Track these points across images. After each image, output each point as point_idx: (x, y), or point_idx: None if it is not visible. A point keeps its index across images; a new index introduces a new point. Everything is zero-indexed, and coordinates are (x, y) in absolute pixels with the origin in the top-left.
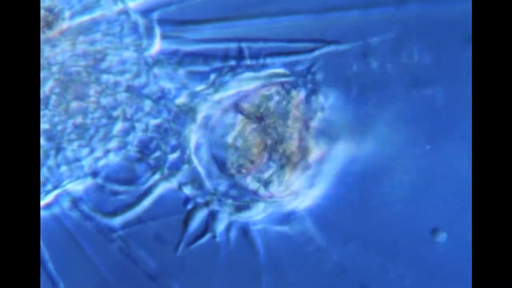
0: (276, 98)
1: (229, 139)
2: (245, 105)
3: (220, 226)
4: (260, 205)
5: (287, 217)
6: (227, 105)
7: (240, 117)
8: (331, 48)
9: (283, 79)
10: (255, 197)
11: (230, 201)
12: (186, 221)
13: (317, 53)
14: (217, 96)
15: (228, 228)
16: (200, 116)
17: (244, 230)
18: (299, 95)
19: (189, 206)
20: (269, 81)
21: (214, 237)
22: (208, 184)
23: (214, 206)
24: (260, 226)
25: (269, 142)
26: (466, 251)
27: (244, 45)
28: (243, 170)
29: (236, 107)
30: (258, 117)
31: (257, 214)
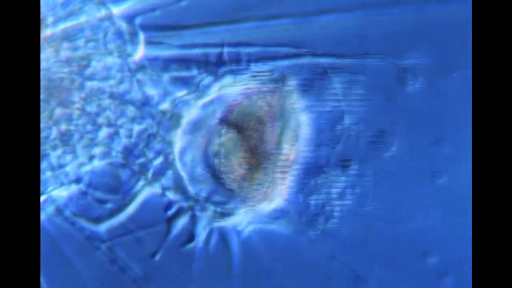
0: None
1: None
2: (231, 115)
3: (201, 232)
4: (242, 212)
5: (272, 215)
6: (215, 113)
7: (226, 127)
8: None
9: (264, 85)
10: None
11: (212, 207)
12: (168, 227)
13: (299, 60)
14: (200, 102)
15: (209, 234)
16: (184, 122)
17: (224, 237)
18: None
19: (172, 211)
20: (251, 88)
21: (191, 241)
22: (191, 189)
23: (196, 212)
24: (243, 232)
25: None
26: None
27: (228, 50)
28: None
29: (224, 118)
30: (242, 126)
31: (239, 221)
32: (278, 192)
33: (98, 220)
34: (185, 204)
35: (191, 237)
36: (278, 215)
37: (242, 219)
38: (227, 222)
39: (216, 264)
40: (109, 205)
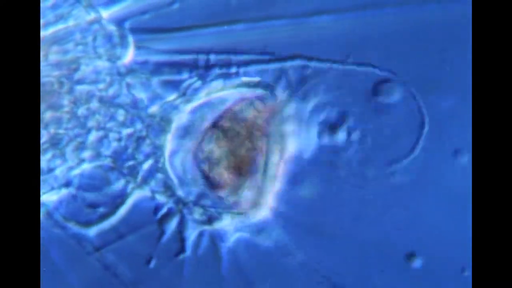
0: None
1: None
2: (224, 122)
3: (190, 235)
4: (230, 216)
5: (257, 228)
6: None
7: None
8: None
9: (254, 91)
10: (223, 206)
11: (201, 210)
12: (158, 229)
13: (289, 64)
14: (189, 106)
15: (198, 237)
16: (173, 125)
17: (213, 240)
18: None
19: (162, 214)
20: (242, 93)
21: (182, 244)
22: (180, 193)
23: (186, 215)
24: (231, 237)
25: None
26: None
27: (218, 53)
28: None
29: (215, 124)
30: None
31: (227, 225)
32: (265, 202)
33: (89, 223)
34: (174, 207)
35: (181, 240)
36: (264, 225)
37: (229, 225)
38: (215, 226)
39: (206, 267)
40: (99, 209)
